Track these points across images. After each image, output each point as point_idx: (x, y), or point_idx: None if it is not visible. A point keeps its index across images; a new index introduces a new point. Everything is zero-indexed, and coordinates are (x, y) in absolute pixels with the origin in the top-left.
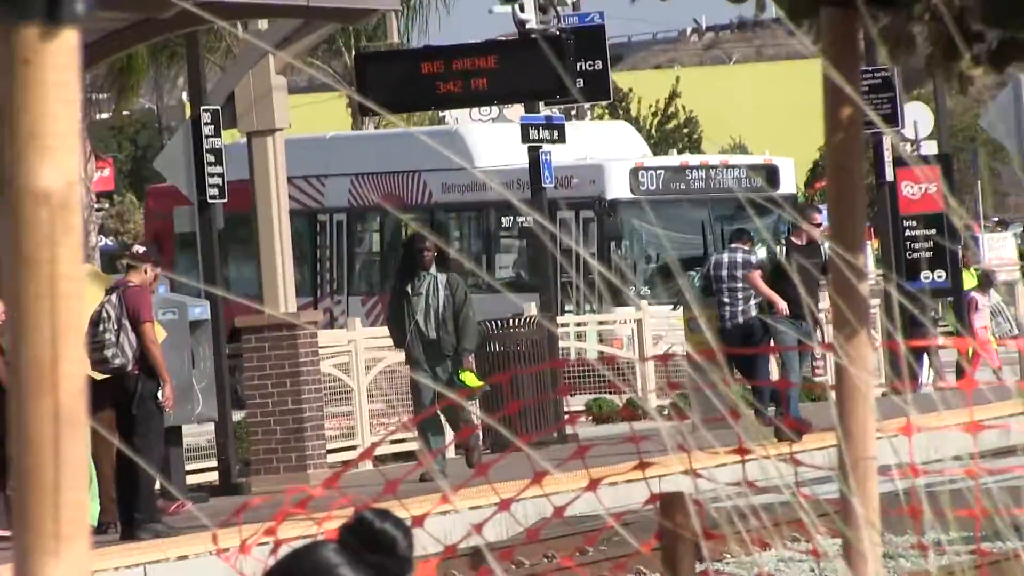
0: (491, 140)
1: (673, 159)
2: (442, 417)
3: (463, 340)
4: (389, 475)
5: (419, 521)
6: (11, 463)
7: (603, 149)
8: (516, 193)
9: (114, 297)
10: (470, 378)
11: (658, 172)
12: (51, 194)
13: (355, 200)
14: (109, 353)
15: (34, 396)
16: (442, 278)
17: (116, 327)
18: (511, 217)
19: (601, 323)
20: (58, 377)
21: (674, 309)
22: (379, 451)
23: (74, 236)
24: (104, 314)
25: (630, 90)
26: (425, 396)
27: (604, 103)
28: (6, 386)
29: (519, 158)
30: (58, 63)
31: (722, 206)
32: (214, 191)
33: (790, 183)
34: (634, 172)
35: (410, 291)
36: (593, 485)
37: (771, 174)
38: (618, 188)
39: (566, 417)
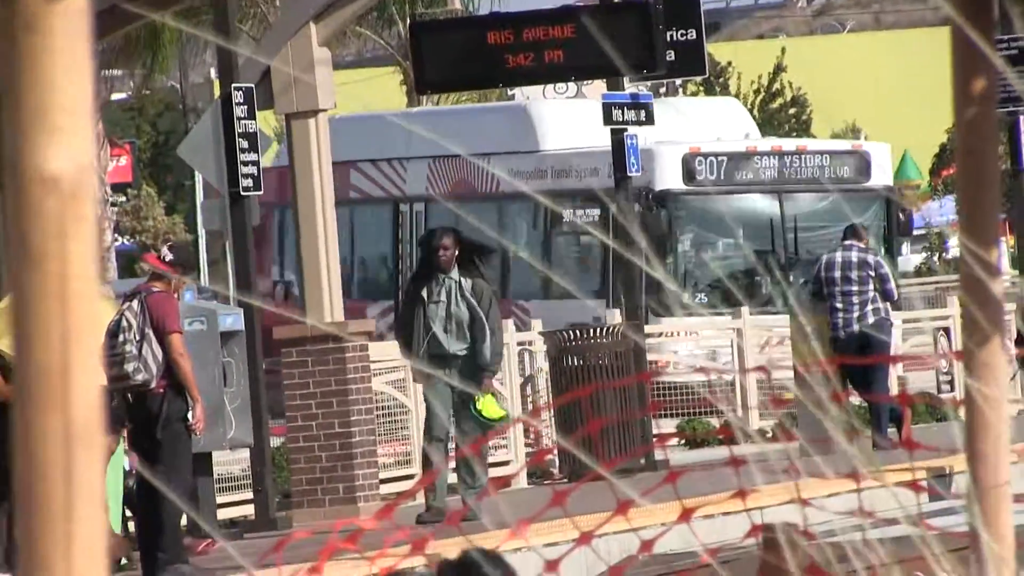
0: (562, 119)
1: (738, 143)
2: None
3: (486, 358)
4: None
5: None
6: (16, 487)
7: (702, 130)
8: (593, 181)
9: (135, 304)
10: (490, 407)
11: (719, 159)
12: (61, 180)
13: (433, 187)
14: (130, 368)
15: (42, 410)
16: (466, 283)
17: (138, 338)
18: (584, 210)
19: (688, 333)
20: (69, 389)
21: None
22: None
23: (87, 228)
24: (124, 323)
25: (729, 64)
26: (439, 424)
27: (699, 79)
28: (9, 399)
29: (595, 140)
30: (66, 29)
31: (797, 200)
32: (248, 182)
33: (885, 173)
34: (688, 159)
35: (426, 297)
36: (686, 516)
37: (861, 162)
38: (668, 178)
39: (654, 440)
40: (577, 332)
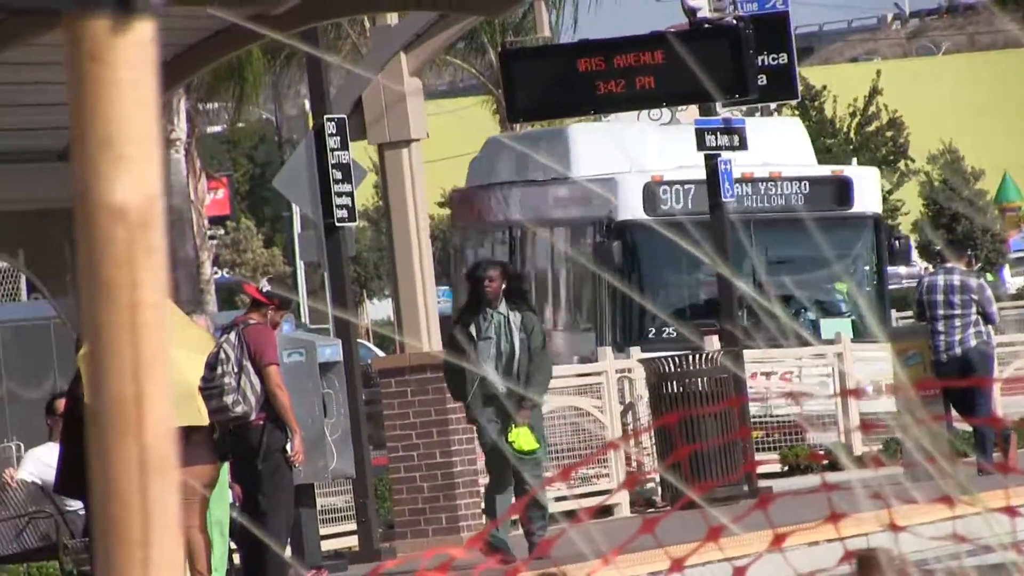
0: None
1: (702, 171)
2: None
3: (531, 388)
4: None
5: None
6: (92, 514)
7: (755, 155)
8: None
9: (232, 336)
10: (524, 438)
11: (685, 188)
12: (128, 210)
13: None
14: (229, 400)
15: (117, 439)
16: (515, 318)
17: (236, 370)
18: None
19: (766, 360)
20: (143, 417)
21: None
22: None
23: (157, 259)
24: (222, 355)
25: (823, 87)
26: (502, 470)
27: (792, 102)
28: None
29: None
30: (132, 60)
31: (769, 230)
32: (342, 212)
33: (870, 200)
34: (650, 188)
35: (475, 333)
36: (778, 542)
37: (841, 189)
38: (629, 207)
39: (743, 465)
40: (676, 359)
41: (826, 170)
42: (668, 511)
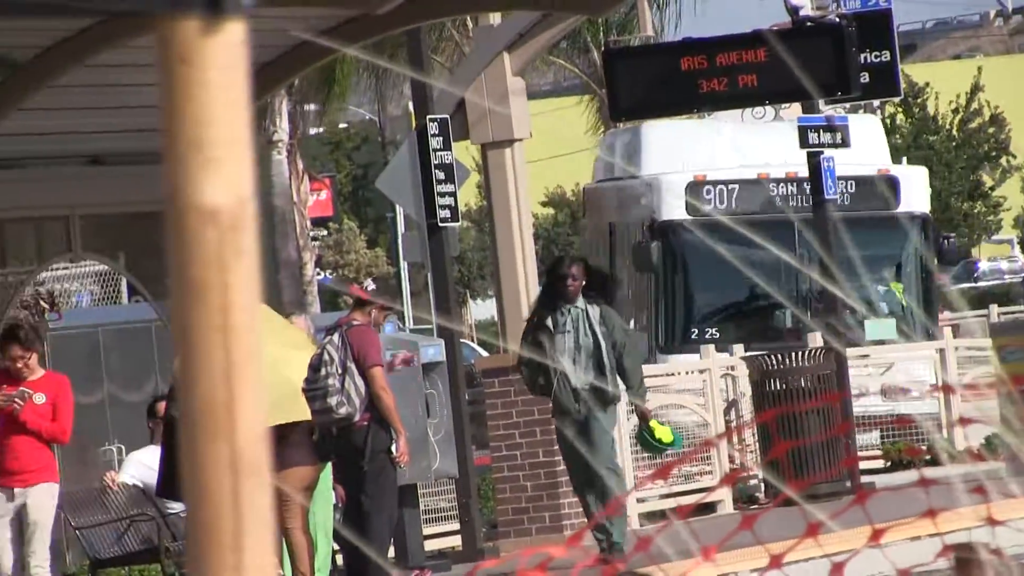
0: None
1: (749, 170)
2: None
3: (635, 388)
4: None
5: None
6: (186, 517)
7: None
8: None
9: (336, 337)
10: (663, 431)
11: (729, 187)
12: (219, 212)
13: None
14: (333, 401)
15: (208, 441)
16: (594, 312)
17: (340, 371)
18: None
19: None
20: (234, 420)
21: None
22: (645, 508)
23: (248, 261)
24: (326, 357)
25: (926, 84)
26: (583, 466)
27: (895, 100)
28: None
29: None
30: (222, 61)
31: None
32: (445, 212)
33: (918, 199)
34: (693, 187)
35: (552, 327)
36: (876, 538)
37: (888, 188)
38: (672, 208)
39: (841, 461)
40: (779, 356)
41: (872, 169)
42: (767, 507)
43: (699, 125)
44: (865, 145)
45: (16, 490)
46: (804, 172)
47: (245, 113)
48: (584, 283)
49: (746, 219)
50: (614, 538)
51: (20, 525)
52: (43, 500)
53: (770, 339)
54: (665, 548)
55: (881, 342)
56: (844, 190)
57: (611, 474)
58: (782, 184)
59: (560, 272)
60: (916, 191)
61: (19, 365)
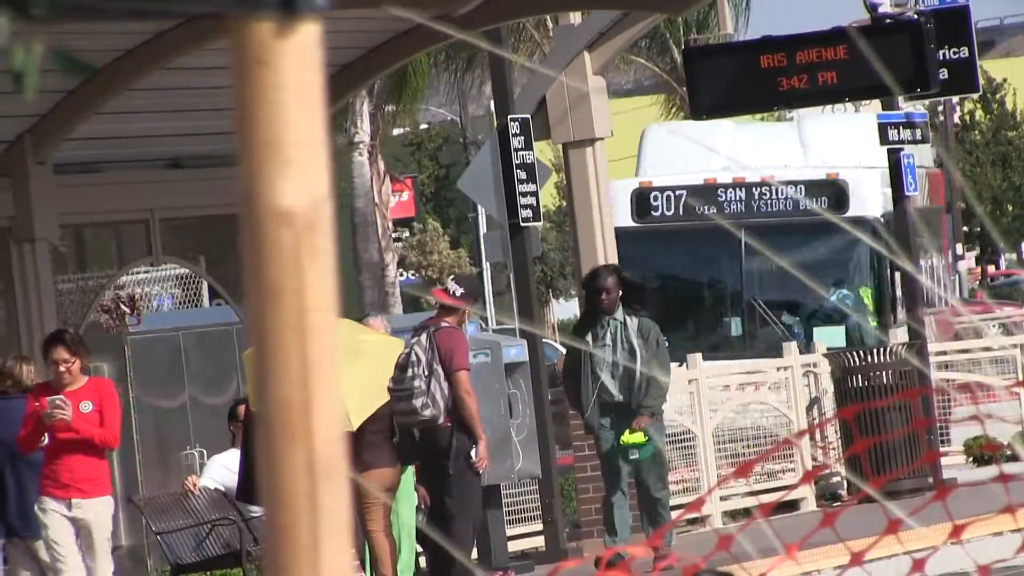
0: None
1: (696, 176)
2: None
3: (646, 396)
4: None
5: None
6: (264, 519)
7: (840, 153)
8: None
9: (424, 339)
10: (636, 438)
11: (676, 194)
12: (295, 214)
13: None
14: (418, 403)
15: (285, 444)
16: (632, 324)
17: (427, 373)
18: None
19: (965, 351)
20: (311, 422)
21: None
22: (728, 506)
23: (324, 262)
24: (413, 358)
25: (1004, 80)
26: (618, 477)
27: (974, 96)
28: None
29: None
30: (297, 62)
31: (762, 235)
32: (527, 212)
33: (871, 203)
34: (640, 195)
35: (591, 340)
36: (956, 534)
37: (837, 193)
38: (620, 215)
39: (926, 456)
40: (861, 353)
41: (820, 173)
42: (848, 505)
43: (703, 127)
44: (825, 147)
45: (73, 500)
46: (753, 177)
47: (320, 114)
48: (621, 294)
49: (694, 225)
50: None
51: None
52: (102, 514)
53: (719, 348)
54: (747, 546)
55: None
56: (792, 195)
57: (659, 504)
58: (730, 189)
59: (595, 285)
60: (867, 195)
61: (62, 369)
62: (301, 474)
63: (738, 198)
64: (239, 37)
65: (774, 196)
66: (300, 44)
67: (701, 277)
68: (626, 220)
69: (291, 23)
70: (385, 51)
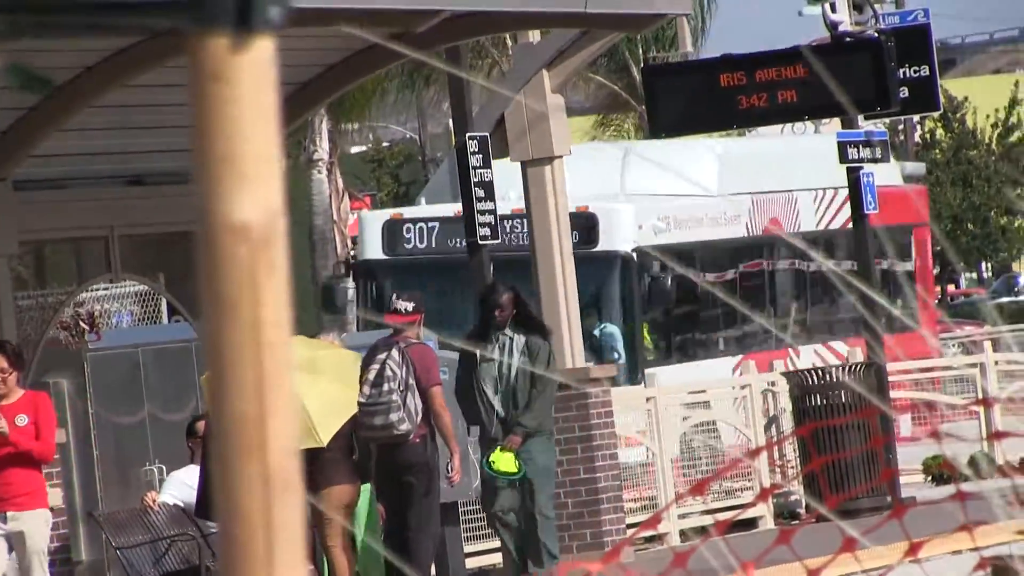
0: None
1: (447, 208)
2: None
3: (524, 414)
4: (687, 550)
5: None
6: (218, 533)
7: (675, 182)
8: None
9: (395, 354)
10: (506, 461)
11: (428, 225)
12: (250, 228)
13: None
14: (395, 417)
15: (240, 458)
16: (519, 341)
17: (403, 388)
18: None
19: (927, 370)
20: (266, 436)
21: None
22: (686, 524)
23: (279, 277)
24: (388, 372)
25: (965, 99)
26: (502, 497)
27: (935, 114)
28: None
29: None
30: (252, 77)
31: (514, 267)
32: (485, 231)
33: (620, 238)
34: (391, 226)
35: (479, 356)
36: (913, 552)
37: (588, 226)
38: (371, 247)
39: (883, 475)
40: (819, 372)
41: (571, 207)
42: (803, 523)
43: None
44: (582, 180)
45: (9, 514)
46: (504, 210)
47: (275, 129)
48: (514, 312)
49: (445, 258)
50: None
51: (13, 551)
52: (38, 527)
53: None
54: (705, 564)
55: None
56: (520, 228)
57: (545, 521)
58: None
59: (490, 300)
60: (619, 228)
61: None
62: (256, 488)
63: (504, 229)
64: (195, 52)
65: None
66: (255, 60)
67: (455, 310)
68: (376, 253)
69: (246, 39)
70: (343, 69)
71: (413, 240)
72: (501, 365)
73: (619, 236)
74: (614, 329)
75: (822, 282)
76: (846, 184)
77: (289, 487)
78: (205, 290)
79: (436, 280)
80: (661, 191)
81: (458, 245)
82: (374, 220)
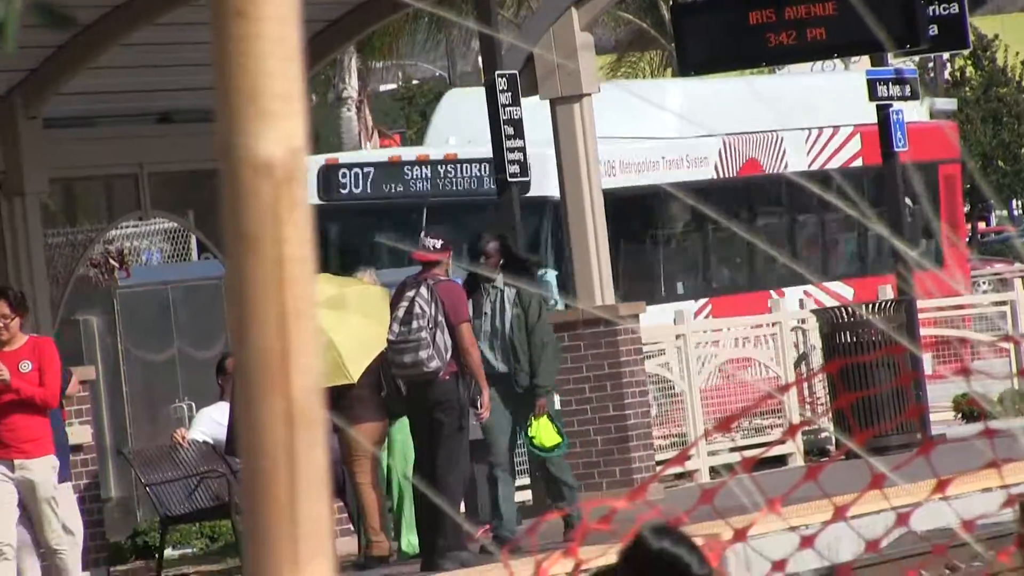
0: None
1: (380, 153)
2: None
3: (538, 375)
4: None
5: (741, 535)
6: (240, 470)
7: (814, 113)
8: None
9: (424, 291)
10: (546, 432)
11: (364, 170)
12: (274, 164)
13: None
14: (424, 355)
15: (263, 394)
16: (510, 293)
17: (432, 326)
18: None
19: (960, 307)
20: (289, 372)
21: None
22: (716, 461)
23: (302, 212)
24: (417, 310)
25: (995, 37)
26: (500, 451)
27: (965, 52)
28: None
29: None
30: (276, 14)
31: (446, 213)
32: (515, 168)
33: (550, 183)
34: (326, 171)
35: (471, 310)
36: (940, 489)
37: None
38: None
39: (909, 411)
40: (850, 309)
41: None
42: (831, 459)
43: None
44: (848, 103)
45: (16, 461)
46: (437, 155)
47: (298, 66)
48: (503, 261)
49: (380, 203)
50: (503, 531)
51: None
52: (46, 474)
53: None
54: (733, 501)
55: None
56: (477, 173)
57: (504, 475)
58: (416, 167)
59: (480, 248)
60: (549, 174)
61: (0, 325)
62: (279, 423)
63: (424, 176)
64: None
65: (460, 174)
66: None
67: (388, 255)
68: (312, 198)
69: None
70: (373, 7)
71: (348, 185)
72: (494, 319)
73: (549, 181)
74: (552, 276)
75: (812, 226)
76: (846, 122)
77: (312, 422)
78: (228, 226)
79: (372, 225)
80: (612, 134)
81: (393, 191)
82: (310, 165)
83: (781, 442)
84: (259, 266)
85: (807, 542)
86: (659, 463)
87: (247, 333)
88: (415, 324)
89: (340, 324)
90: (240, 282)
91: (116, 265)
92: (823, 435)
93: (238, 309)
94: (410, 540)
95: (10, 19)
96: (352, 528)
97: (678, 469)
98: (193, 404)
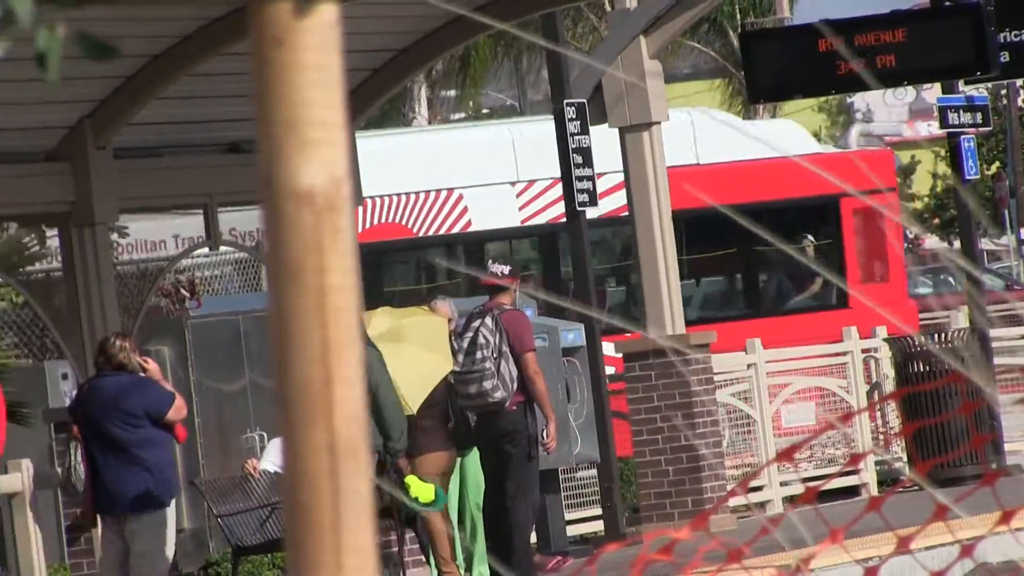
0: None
1: None
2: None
3: (387, 436)
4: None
5: (804, 566)
6: (282, 500)
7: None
8: None
9: (489, 321)
10: (421, 488)
11: None
12: (315, 193)
13: None
14: (489, 385)
15: (305, 424)
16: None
17: (496, 356)
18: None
19: None
20: (332, 402)
21: None
22: (788, 491)
23: (344, 241)
24: (481, 340)
25: None
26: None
27: None
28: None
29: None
30: (316, 43)
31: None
32: (584, 197)
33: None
34: None
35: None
36: (1005, 520)
37: None
38: None
39: (975, 441)
40: (923, 338)
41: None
42: (893, 490)
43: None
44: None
45: None
46: None
47: (339, 94)
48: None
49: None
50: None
51: None
52: None
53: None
54: (801, 533)
55: None
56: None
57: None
58: None
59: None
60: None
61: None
62: (322, 454)
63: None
64: (258, 19)
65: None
66: (318, 24)
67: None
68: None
69: (309, 4)
70: (441, 36)
71: None
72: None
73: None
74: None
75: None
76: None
77: (355, 452)
78: (270, 256)
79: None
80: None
81: None
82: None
83: (845, 473)
84: (300, 296)
85: (870, 573)
86: (732, 493)
87: (289, 363)
88: (479, 354)
89: (398, 357)
90: (282, 312)
91: (187, 295)
92: (897, 465)
93: (280, 339)
94: (481, 572)
95: (52, 49)
96: (424, 559)
97: (751, 499)
98: (264, 434)
